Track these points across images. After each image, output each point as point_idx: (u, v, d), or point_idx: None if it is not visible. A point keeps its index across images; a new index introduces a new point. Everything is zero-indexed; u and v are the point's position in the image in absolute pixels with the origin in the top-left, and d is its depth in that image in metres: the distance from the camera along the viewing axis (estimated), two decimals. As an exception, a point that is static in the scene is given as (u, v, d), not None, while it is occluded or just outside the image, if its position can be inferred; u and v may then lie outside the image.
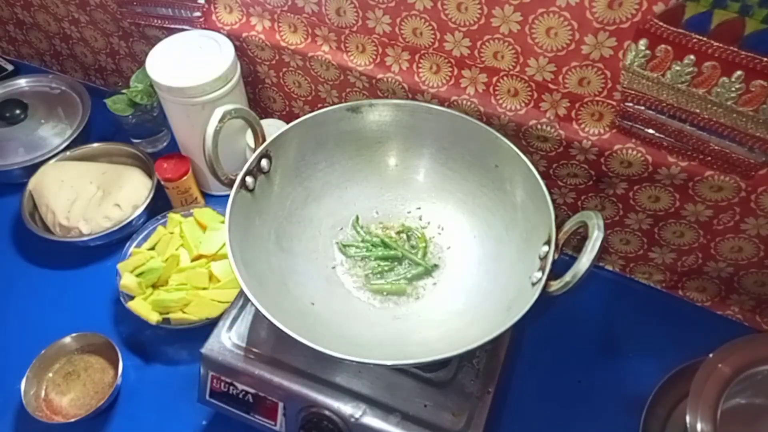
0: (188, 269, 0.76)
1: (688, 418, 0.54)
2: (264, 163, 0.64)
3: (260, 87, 0.87)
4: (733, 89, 0.53)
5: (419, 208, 0.72)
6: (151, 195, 0.84)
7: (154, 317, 0.72)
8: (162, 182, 0.83)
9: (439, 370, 0.61)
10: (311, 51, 0.76)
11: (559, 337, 0.74)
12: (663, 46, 0.54)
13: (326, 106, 0.68)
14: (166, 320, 0.73)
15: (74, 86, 1.00)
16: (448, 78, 0.69)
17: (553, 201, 0.58)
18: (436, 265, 0.67)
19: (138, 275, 0.75)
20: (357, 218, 0.71)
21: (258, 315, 0.61)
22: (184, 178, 0.83)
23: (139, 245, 0.81)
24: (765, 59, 0.51)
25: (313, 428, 0.59)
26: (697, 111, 0.57)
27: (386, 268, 0.67)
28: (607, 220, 0.74)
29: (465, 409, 0.59)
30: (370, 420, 0.57)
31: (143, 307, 0.73)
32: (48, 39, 1.03)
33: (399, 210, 0.72)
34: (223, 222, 0.64)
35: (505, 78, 0.65)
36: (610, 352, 0.74)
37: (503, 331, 0.51)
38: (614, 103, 0.61)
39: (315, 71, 0.78)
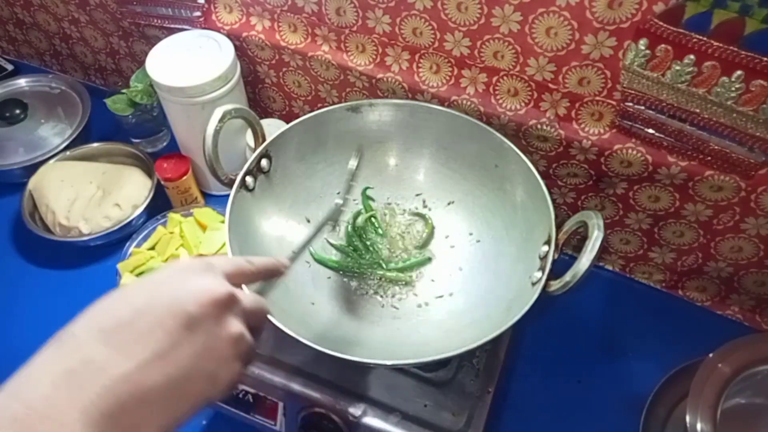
0: (188, 269, 0.76)
1: (688, 418, 0.54)
2: (264, 163, 0.64)
3: (260, 87, 0.87)
4: (733, 89, 0.53)
5: (419, 208, 0.72)
6: (151, 195, 0.84)
7: (154, 317, 0.72)
8: (162, 182, 0.83)
9: (439, 369, 0.61)
10: (311, 51, 0.76)
11: (559, 337, 0.74)
12: (663, 45, 0.54)
13: (326, 106, 0.68)
14: (166, 320, 0.73)
15: (74, 86, 1.00)
16: (448, 78, 0.69)
17: (553, 201, 0.58)
18: (429, 258, 0.67)
19: (138, 275, 0.75)
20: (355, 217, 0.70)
21: (258, 315, 0.61)
22: (184, 178, 0.83)
23: (139, 245, 0.81)
24: (765, 59, 0.51)
25: (313, 428, 0.59)
26: (697, 111, 0.57)
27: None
28: (607, 220, 0.74)
29: (465, 408, 0.59)
30: (370, 420, 0.57)
31: (143, 307, 0.73)
32: (48, 39, 1.03)
33: (399, 210, 0.72)
34: (223, 222, 0.64)
35: (505, 78, 0.65)
36: (610, 352, 0.74)
37: (503, 331, 0.51)
38: (614, 102, 0.61)
39: (315, 71, 0.78)
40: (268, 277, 0.44)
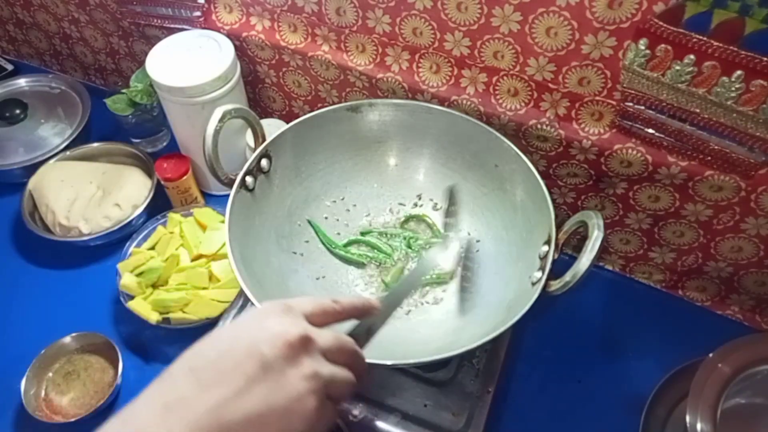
0: (188, 269, 0.76)
1: (688, 418, 0.54)
2: (264, 162, 0.64)
3: (260, 87, 0.87)
4: (733, 89, 0.53)
5: (419, 207, 0.72)
6: (151, 195, 0.84)
7: (154, 317, 0.72)
8: (162, 182, 0.83)
9: (439, 369, 0.61)
10: (311, 51, 0.76)
11: (559, 337, 0.74)
12: (663, 45, 0.54)
13: (326, 106, 0.68)
14: (166, 320, 0.73)
15: (74, 86, 1.00)
16: (448, 78, 0.69)
17: (553, 201, 0.58)
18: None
19: (138, 275, 0.75)
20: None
21: (258, 315, 0.61)
22: (184, 177, 0.83)
23: (139, 245, 0.81)
24: (765, 59, 0.51)
25: (313, 428, 0.59)
26: (697, 111, 0.57)
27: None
28: (607, 220, 0.74)
29: (465, 408, 0.59)
30: (370, 420, 0.57)
31: (143, 307, 0.73)
32: (48, 38, 1.03)
33: (398, 209, 0.72)
34: (223, 222, 0.64)
35: (505, 78, 0.65)
36: (610, 352, 0.74)
37: (503, 330, 0.51)
38: (614, 102, 0.61)
39: (315, 71, 0.78)
40: (357, 316, 0.43)
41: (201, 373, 0.36)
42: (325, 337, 0.39)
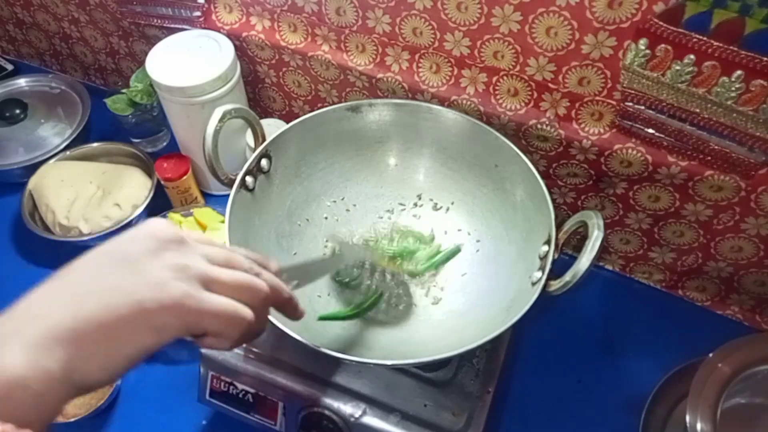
0: (188, 269, 0.76)
1: (688, 418, 0.54)
2: (264, 162, 0.64)
3: (260, 87, 0.87)
4: (733, 89, 0.53)
5: (419, 207, 0.72)
6: (151, 195, 0.84)
7: (154, 317, 0.72)
8: (162, 182, 0.83)
9: (439, 369, 0.61)
10: (311, 51, 0.76)
11: (559, 337, 0.74)
12: (663, 45, 0.54)
13: (326, 106, 0.68)
14: (166, 320, 0.73)
15: (74, 86, 1.00)
16: (448, 78, 0.69)
17: (553, 201, 0.58)
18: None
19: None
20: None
21: (258, 315, 0.61)
22: (184, 177, 0.83)
23: (139, 245, 0.80)
24: (765, 59, 0.51)
25: (313, 428, 0.59)
26: (697, 111, 0.57)
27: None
28: (607, 220, 0.74)
29: (465, 408, 0.59)
30: (370, 420, 0.57)
31: (143, 307, 0.73)
32: (48, 38, 1.03)
33: (398, 209, 0.72)
34: (223, 222, 0.64)
35: (505, 77, 0.65)
36: (610, 352, 0.74)
37: (503, 330, 0.51)
38: (614, 102, 0.61)
39: (315, 71, 0.78)
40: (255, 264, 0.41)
41: (58, 280, 0.35)
42: (210, 247, 0.36)
